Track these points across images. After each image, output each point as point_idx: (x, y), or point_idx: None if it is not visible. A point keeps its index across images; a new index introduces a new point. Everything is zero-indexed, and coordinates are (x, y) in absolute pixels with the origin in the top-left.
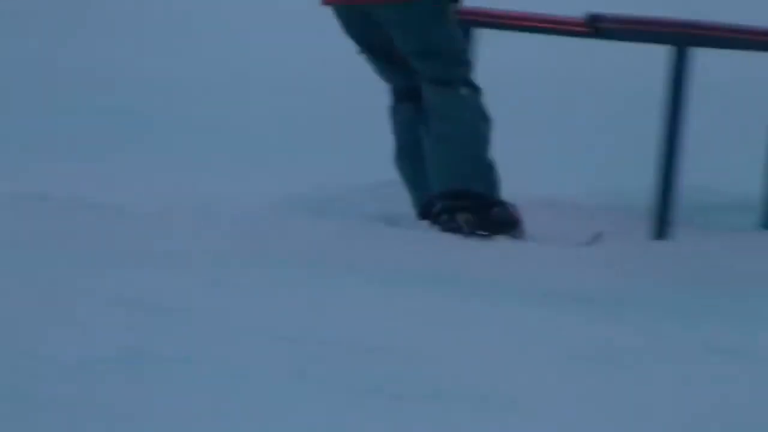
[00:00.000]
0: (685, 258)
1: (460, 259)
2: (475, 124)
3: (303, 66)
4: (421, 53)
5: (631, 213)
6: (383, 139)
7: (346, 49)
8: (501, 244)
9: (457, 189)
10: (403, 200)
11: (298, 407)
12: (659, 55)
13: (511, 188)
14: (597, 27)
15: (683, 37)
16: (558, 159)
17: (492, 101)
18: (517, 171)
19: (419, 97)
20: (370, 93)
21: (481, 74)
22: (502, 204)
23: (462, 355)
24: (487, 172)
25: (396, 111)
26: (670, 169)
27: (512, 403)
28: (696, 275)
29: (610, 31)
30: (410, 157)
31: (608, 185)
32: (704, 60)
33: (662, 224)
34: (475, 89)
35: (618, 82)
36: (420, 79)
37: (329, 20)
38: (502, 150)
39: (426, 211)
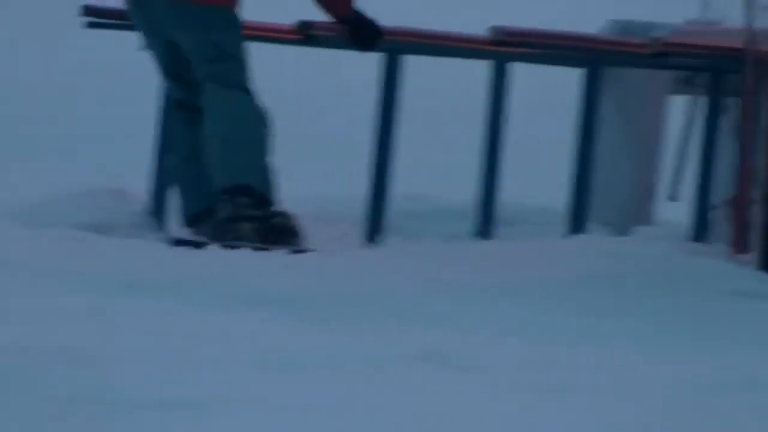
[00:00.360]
0: (394, 265)
1: (171, 265)
2: (255, 127)
3: None
4: (210, 57)
5: (347, 220)
6: (90, 148)
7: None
8: (212, 252)
9: (238, 185)
10: (113, 208)
11: None
12: (372, 62)
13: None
14: (309, 34)
15: (394, 44)
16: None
17: None
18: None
19: (194, 108)
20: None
21: None
22: (282, 214)
23: (141, 360)
24: (265, 174)
25: (175, 118)
26: (381, 176)
27: (198, 406)
28: (404, 281)
29: (323, 39)
30: (188, 161)
31: (324, 192)
32: (417, 66)
33: (374, 231)
34: (253, 95)
35: (328, 89)
36: (202, 81)
37: None
38: None
39: (196, 218)
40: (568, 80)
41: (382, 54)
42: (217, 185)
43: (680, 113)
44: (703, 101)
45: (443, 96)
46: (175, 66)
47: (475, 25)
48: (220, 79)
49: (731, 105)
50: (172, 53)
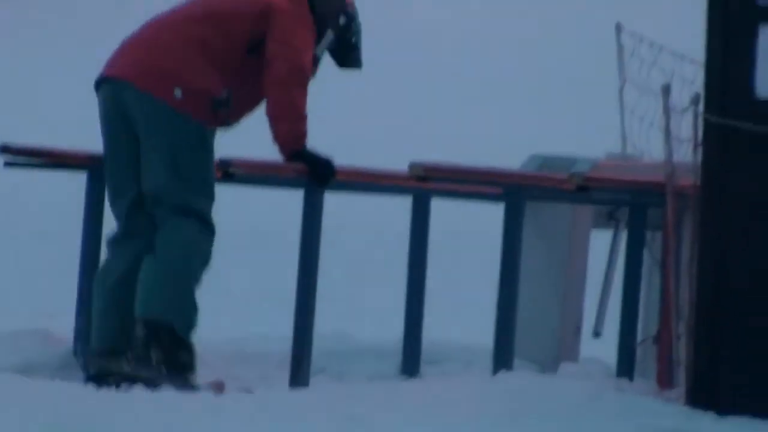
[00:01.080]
0: (318, 405)
1: (94, 407)
2: (193, 261)
3: None
4: (170, 175)
5: (271, 360)
6: (14, 287)
7: None
8: (134, 391)
9: (155, 319)
10: (38, 350)
11: None
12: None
13: None
14: (228, 172)
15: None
16: None
17: None
18: None
19: (140, 234)
20: None
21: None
22: (190, 348)
23: None
24: (189, 310)
25: (117, 242)
26: (305, 315)
27: None
28: (327, 423)
29: (241, 176)
30: (116, 286)
31: (249, 331)
32: (339, 202)
33: (299, 372)
34: (209, 229)
35: (251, 226)
36: (158, 198)
37: None
38: None
39: (108, 351)
40: (494, 215)
41: (304, 191)
42: (142, 311)
43: (603, 247)
44: (625, 235)
45: (365, 231)
46: (125, 171)
47: (399, 160)
48: (172, 203)
49: (653, 239)
50: (129, 155)
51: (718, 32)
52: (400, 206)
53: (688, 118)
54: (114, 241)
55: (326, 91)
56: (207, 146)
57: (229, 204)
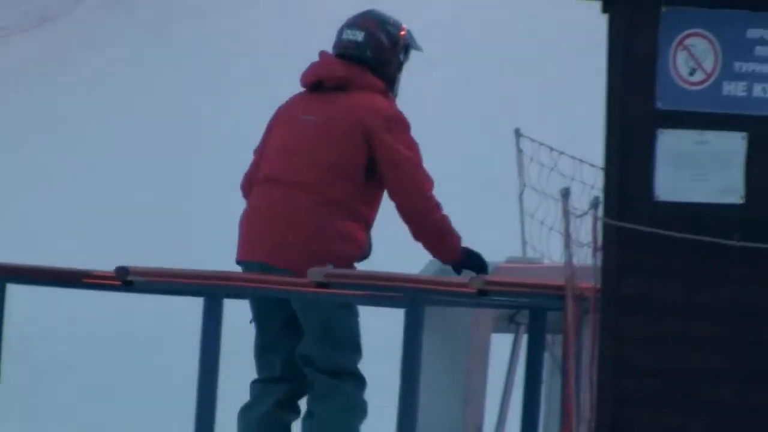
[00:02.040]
0: None
1: None
2: (353, 422)
3: None
4: (323, 343)
5: None
6: None
7: None
8: None
9: None
10: None
11: None
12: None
13: None
14: (127, 280)
15: (213, 288)
16: None
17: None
18: None
19: (285, 380)
20: None
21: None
22: None
23: None
24: None
25: (262, 383)
26: (206, 424)
27: None
28: None
29: (140, 284)
30: (257, 426)
31: None
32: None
33: None
34: (361, 381)
35: (155, 335)
36: (305, 364)
37: None
38: None
39: None
40: (395, 320)
41: (204, 298)
42: None
43: (504, 351)
44: (525, 339)
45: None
46: (275, 334)
47: None
48: (324, 367)
49: (554, 342)
50: (282, 329)
51: (616, 136)
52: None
53: (588, 222)
54: (259, 383)
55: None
56: (353, 306)
57: (133, 312)
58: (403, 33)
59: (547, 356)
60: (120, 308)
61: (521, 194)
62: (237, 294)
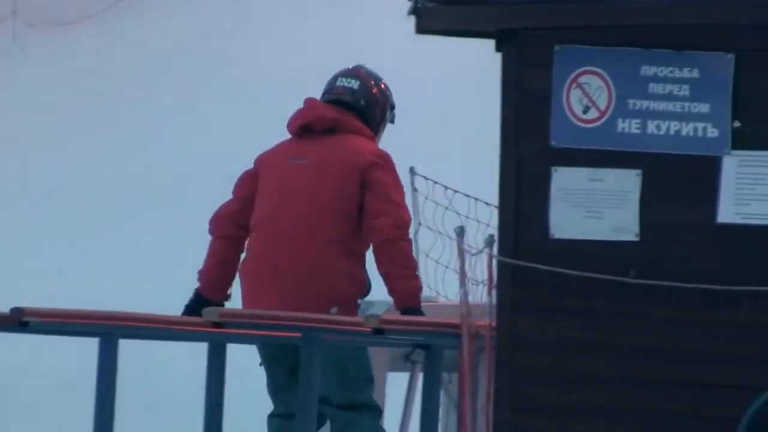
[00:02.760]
0: None
1: None
2: None
3: None
4: (339, 382)
5: None
6: None
7: None
8: None
9: None
10: None
11: None
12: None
13: None
14: (22, 321)
15: (109, 328)
16: None
17: None
18: None
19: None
20: None
21: None
22: None
23: None
24: None
25: (278, 417)
26: None
27: None
28: None
29: (35, 325)
30: None
31: None
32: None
33: None
34: (376, 410)
35: (49, 376)
36: (323, 402)
37: None
38: None
39: None
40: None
41: (99, 338)
42: None
43: (400, 389)
44: (421, 377)
45: (162, 379)
46: (287, 375)
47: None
48: (341, 404)
49: (450, 380)
50: (293, 371)
51: (511, 174)
52: (198, 352)
53: (483, 260)
54: (275, 417)
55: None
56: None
57: (27, 352)
58: (390, 93)
59: (443, 394)
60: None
61: (416, 233)
62: (133, 334)
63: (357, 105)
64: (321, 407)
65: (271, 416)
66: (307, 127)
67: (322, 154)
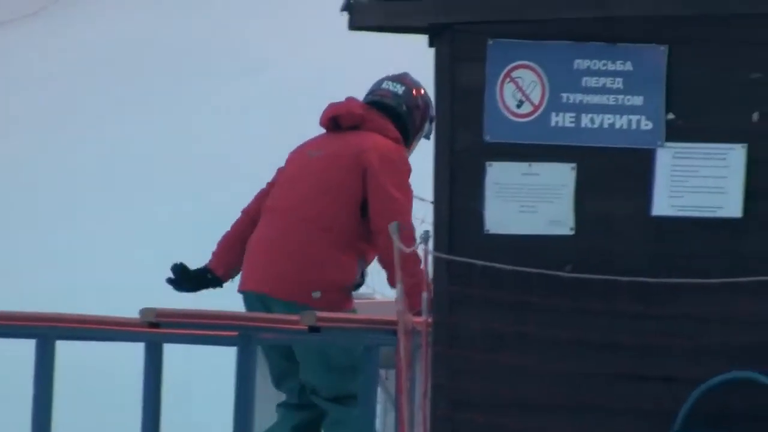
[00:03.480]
0: None
1: None
2: None
3: None
4: (324, 371)
5: None
6: None
7: None
8: None
9: None
10: None
11: None
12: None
13: None
14: None
15: (45, 330)
16: None
17: None
18: None
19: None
20: None
21: None
22: None
23: None
24: None
25: (285, 406)
26: None
27: None
28: None
29: None
30: None
31: None
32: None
33: None
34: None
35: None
36: (312, 393)
37: None
38: None
39: None
40: (227, 357)
41: (34, 340)
42: None
43: None
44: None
45: (99, 380)
46: (284, 364)
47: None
48: (335, 393)
49: (387, 377)
50: (291, 359)
51: (445, 170)
52: (134, 352)
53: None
54: (282, 407)
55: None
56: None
57: None
58: (432, 105)
59: (380, 391)
60: None
61: None
62: (69, 336)
63: (399, 109)
64: (312, 398)
65: (278, 406)
66: (335, 120)
67: (337, 147)
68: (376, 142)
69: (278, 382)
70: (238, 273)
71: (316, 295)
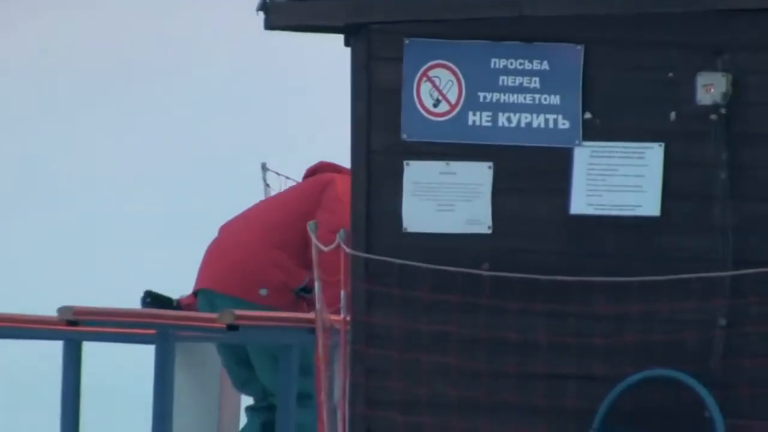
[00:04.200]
0: None
1: None
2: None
3: None
4: (272, 370)
5: None
6: None
7: None
8: None
9: None
10: None
11: None
12: None
13: None
14: None
15: None
16: None
17: None
18: None
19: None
20: None
21: None
22: None
23: None
24: None
25: (252, 410)
26: None
27: None
28: None
29: None
30: None
31: None
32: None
33: None
34: (314, 398)
35: None
36: (267, 394)
37: None
38: None
39: None
40: (146, 355)
41: None
42: None
43: None
44: None
45: (14, 378)
46: (240, 368)
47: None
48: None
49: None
50: (240, 352)
51: (362, 168)
52: (53, 351)
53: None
54: (249, 409)
55: None
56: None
57: None
58: None
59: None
60: None
61: None
62: None
63: None
64: (271, 399)
65: (246, 408)
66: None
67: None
68: (332, 176)
69: (241, 387)
70: None
71: (263, 292)
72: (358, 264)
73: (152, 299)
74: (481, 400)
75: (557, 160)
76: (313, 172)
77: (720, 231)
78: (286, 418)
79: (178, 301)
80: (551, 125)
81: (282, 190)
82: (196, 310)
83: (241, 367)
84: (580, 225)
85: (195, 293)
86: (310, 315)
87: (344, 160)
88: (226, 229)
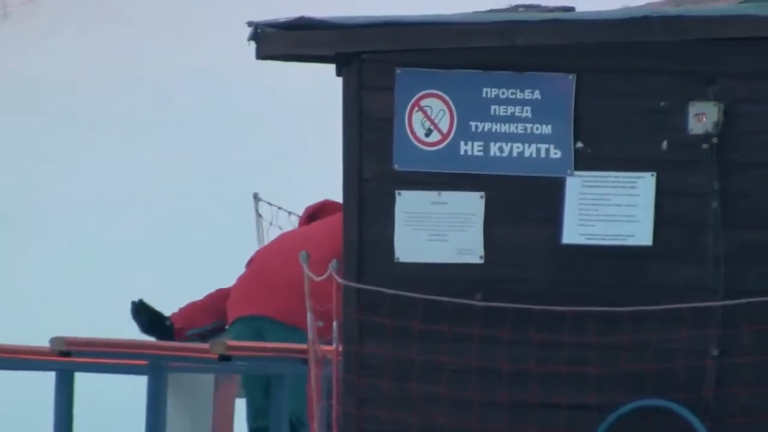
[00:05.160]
0: None
1: None
2: None
3: None
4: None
5: None
6: None
7: None
8: None
9: None
10: None
11: None
12: None
13: None
14: None
15: None
16: None
17: None
18: None
19: None
20: None
21: None
22: None
23: None
24: None
25: None
26: None
27: None
28: None
29: None
30: None
31: None
32: None
33: None
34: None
35: None
36: (299, 424)
37: None
38: None
39: None
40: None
41: None
42: None
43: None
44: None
45: (8, 409)
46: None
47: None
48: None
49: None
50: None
51: (354, 198)
52: (45, 381)
53: None
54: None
55: None
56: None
57: None
58: None
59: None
60: None
61: None
62: None
63: None
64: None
65: None
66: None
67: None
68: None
69: (255, 417)
70: (194, 339)
71: (319, 324)
72: (350, 294)
73: (143, 309)
74: (473, 429)
75: (549, 190)
76: (319, 209)
77: (712, 260)
78: None
79: (170, 319)
80: (543, 155)
81: (296, 226)
82: (223, 335)
83: (264, 396)
84: (572, 255)
85: (234, 319)
86: (302, 345)
87: (338, 191)
88: (273, 258)
